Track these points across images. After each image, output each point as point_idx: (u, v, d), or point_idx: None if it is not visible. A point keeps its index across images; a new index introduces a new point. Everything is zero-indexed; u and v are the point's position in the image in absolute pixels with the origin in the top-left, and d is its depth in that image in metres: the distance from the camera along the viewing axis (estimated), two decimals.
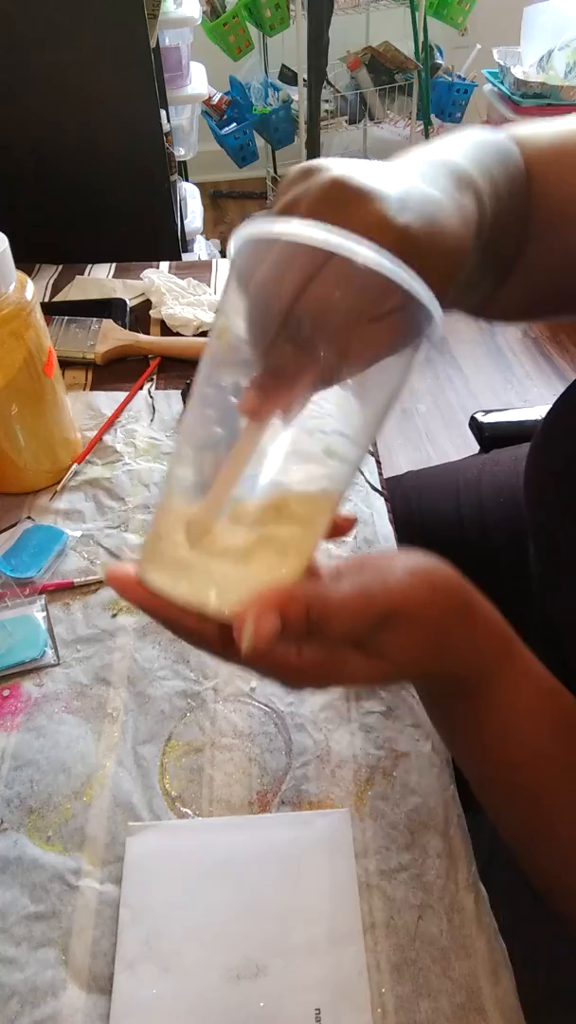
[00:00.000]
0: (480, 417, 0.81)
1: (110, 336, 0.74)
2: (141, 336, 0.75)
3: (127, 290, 0.83)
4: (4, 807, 0.44)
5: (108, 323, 0.75)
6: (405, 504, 0.69)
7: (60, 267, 0.88)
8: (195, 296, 0.81)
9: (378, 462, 0.64)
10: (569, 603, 0.47)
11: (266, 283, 0.26)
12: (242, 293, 0.27)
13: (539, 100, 2.08)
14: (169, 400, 0.70)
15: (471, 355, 2.11)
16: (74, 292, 0.84)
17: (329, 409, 0.29)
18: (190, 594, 0.28)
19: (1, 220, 0.55)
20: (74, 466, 0.63)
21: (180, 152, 1.71)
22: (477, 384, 2.02)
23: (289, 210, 0.27)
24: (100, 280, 0.86)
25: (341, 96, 2.31)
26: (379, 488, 0.62)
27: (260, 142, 2.45)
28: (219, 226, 2.70)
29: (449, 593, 0.32)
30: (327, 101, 2.27)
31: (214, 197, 2.82)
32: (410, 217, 0.26)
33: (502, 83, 2.18)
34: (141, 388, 0.71)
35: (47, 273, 0.87)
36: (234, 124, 2.35)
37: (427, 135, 2.46)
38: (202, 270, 0.87)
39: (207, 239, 1.95)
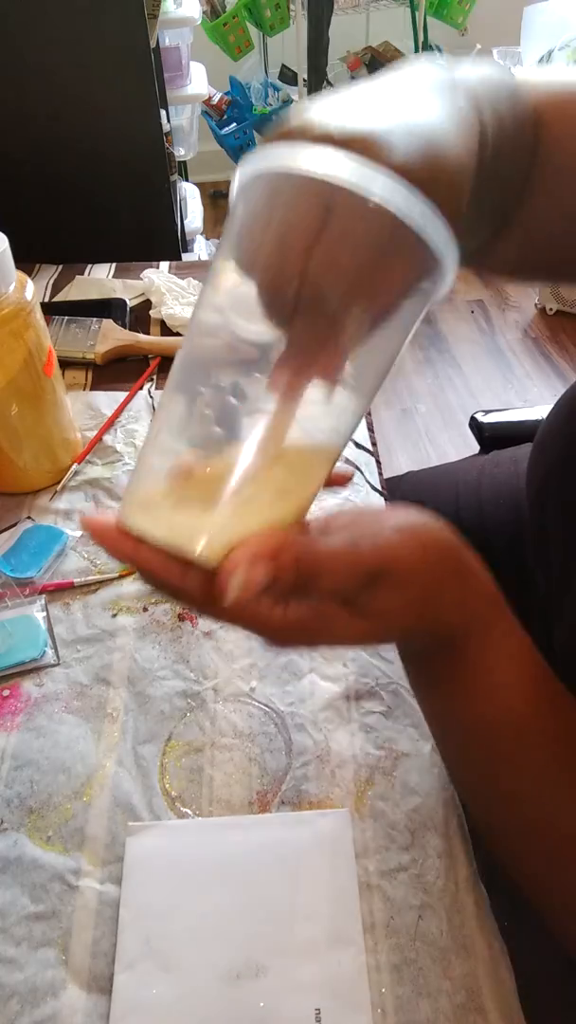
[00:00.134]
0: (480, 417, 0.81)
1: (110, 336, 0.74)
2: (141, 336, 0.75)
3: (127, 290, 0.83)
4: (4, 807, 0.44)
5: (108, 323, 0.75)
6: (405, 505, 0.69)
7: (60, 267, 0.88)
8: (195, 296, 0.81)
9: (378, 462, 0.64)
10: (571, 605, 0.47)
11: (279, 238, 0.24)
12: (248, 264, 0.26)
13: None
14: None
15: (471, 355, 2.11)
16: (74, 292, 0.84)
17: None
18: (175, 538, 0.26)
19: (1, 220, 0.55)
20: (74, 466, 0.63)
21: (180, 152, 1.71)
22: (477, 384, 2.02)
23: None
24: (100, 280, 0.86)
25: None
26: (379, 488, 0.62)
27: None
28: (219, 226, 2.70)
29: (441, 553, 0.31)
30: None
31: (214, 197, 2.82)
32: (409, 153, 0.24)
33: None
34: (141, 388, 0.71)
35: (47, 273, 0.87)
36: (234, 124, 2.35)
37: None
38: (202, 270, 0.87)
39: (207, 239, 1.95)
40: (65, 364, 0.72)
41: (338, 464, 0.31)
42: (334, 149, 0.23)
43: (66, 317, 0.75)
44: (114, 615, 0.53)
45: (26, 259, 0.63)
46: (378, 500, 0.61)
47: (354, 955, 0.38)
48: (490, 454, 0.73)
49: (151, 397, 0.70)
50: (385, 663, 0.50)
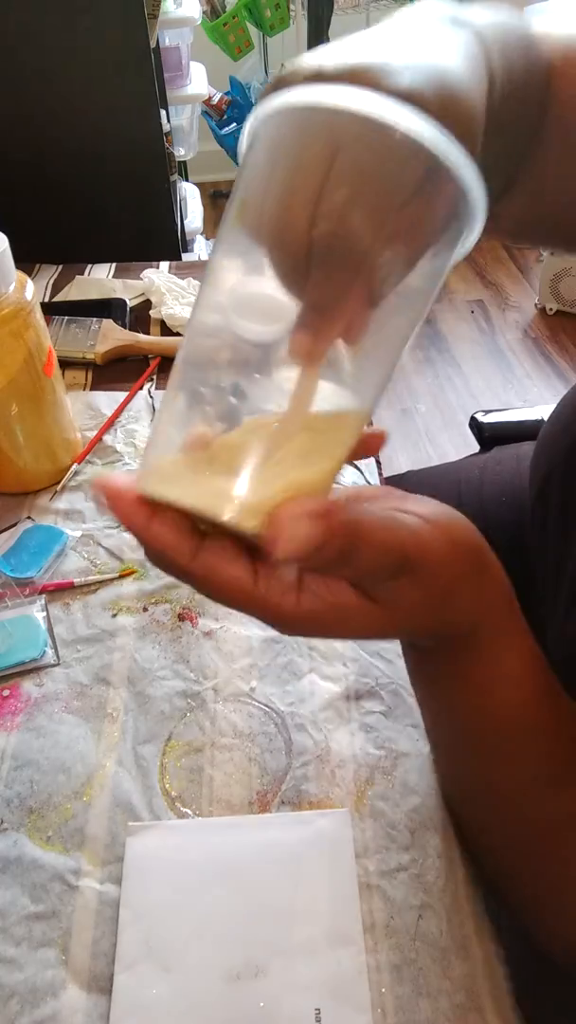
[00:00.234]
0: (480, 417, 0.81)
1: (110, 336, 0.74)
2: (141, 336, 0.75)
3: (127, 290, 0.83)
4: (4, 807, 0.44)
5: (108, 323, 0.75)
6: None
7: (60, 267, 0.88)
8: (195, 296, 0.81)
9: (378, 462, 0.64)
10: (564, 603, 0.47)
11: (284, 185, 0.22)
12: (255, 225, 0.24)
13: None
14: None
15: (471, 355, 2.11)
16: (74, 292, 0.84)
17: None
18: (201, 501, 0.23)
19: (1, 220, 0.55)
20: (74, 466, 0.63)
21: (180, 152, 1.71)
22: (477, 384, 2.02)
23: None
24: (100, 280, 0.86)
25: None
26: (368, 479, 0.62)
27: None
28: (219, 226, 2.69)
29: (468, 550, 0.30)
30: None
31: (214, 197, 2.82)
32: (416, 79, 0.21)
33: None
34: (141, 388, 0.71)
35: (47, 273, 0.87)
36: (234, 124, 2.35)
37: None
38: (202, 270, 0.87)
39: (207, 239, 1.95)
40: (65, 364, 0.72)
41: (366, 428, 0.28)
42: (329, 84, 0.21)
43: (66, 317, 0.75)
44: (114, 615, 0.53)
45: (26, 259, 0.63)
46: None
47: (354, 955, 0.38)
48: (492, 452, 0.73)
49: (151, 397, 0.70)
50: (385, 663, 0.50)
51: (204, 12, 2.01)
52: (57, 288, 0.85)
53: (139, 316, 0.80)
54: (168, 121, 1.32)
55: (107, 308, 0.78)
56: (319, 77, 0.22)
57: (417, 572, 0.28)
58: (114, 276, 0.87)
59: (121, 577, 0.55)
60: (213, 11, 2.08)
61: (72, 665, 0.50)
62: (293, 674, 0.50)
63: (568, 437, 0.52)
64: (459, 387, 2.01)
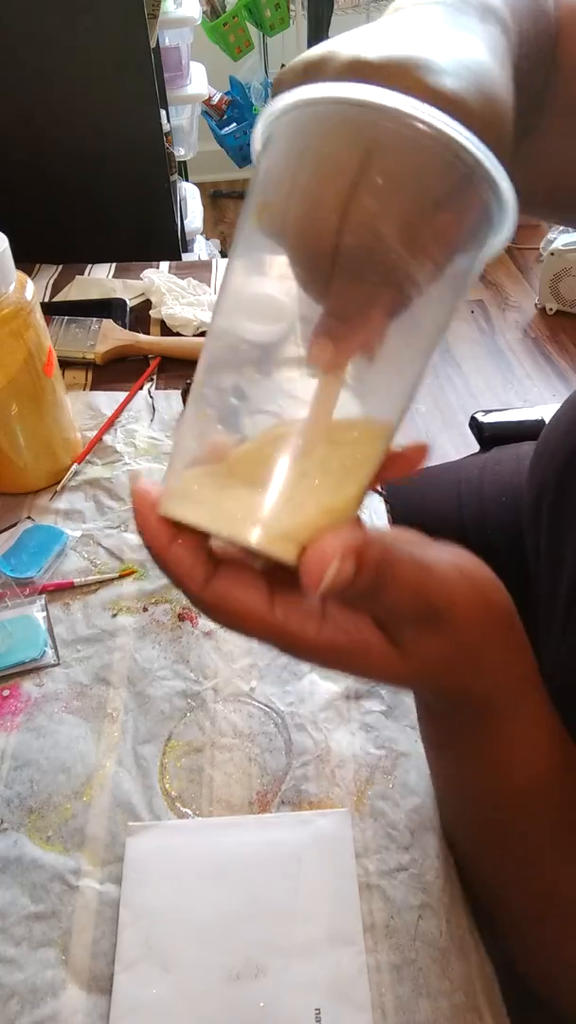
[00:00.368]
0: (480, 417, 0.81)
1: (110, 336, 0.74)
2: (141, 336, 0.75)
3: (127, 290, 0.83)
4: (4, 807, 0.44)
5: (108, 323, 0.75)
6: (405, 504, 0.69)
7: (60, 267, 0.88)
8: (195, 296, 0.81)
9: None
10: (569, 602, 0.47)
11: (311, 186, 0.21)
12: (277, 226, 0.23)
13: None
14: (169, 400, 0.70)
15: (471, 355, 2.11)
16: (74, 292, 0.84)
17: None
18: (223, 523, 0.23)
19: (1, 220, 0.55)
20: (74, 466, 0.63)
21: (180, 152, 1.71)
22: (477, 384, 2.02)
23: None
24: (100, 280, 0.86)
25: None
26: (379, 488, 0.62)
27: None
28: (219, 226, 2.70)
29: (496, 606, 0.28)
30: None
31: (214, 197, 2.82)
32: (461, 84, 0.21)
33: None
34: (141, 388, 0.71)
35: (47, 273, 0.87)
36: (234, 124, 2.35)
37: None
38: (202, 270, 0.87)
39: (207, 239, 1.95)
40: (65, 364, 0.72)
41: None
42: (363, 82, 0.20)
43: (66, 317, 0.75)
44: (114, 615, 0.53)
45: (26, 259, 0.63)
46: (378, 501, 0.61)
47: (354, 955, 0.38)
48: (492, 452, 0.73)
49: (151, 397, 0.70)
50: None
51: (204, 12, 2.01)
52: (57, 288, 0.85)
53: (139, 316, 0.80)
54: (168, 121, 1.32)
55: (107, 308, 0.78)
56: (358, 67, 0.21)
57: (445, 624, 0.26)
58: (114, 276, 0.87)
59: (121, 577, 0.55)
60: (213, 11, 2.08)
61: (72, 665, 0.50)
62: (293, 674, 0.50)
63: (556, 459, 0.52)
64: (459, 387, 2.01)
